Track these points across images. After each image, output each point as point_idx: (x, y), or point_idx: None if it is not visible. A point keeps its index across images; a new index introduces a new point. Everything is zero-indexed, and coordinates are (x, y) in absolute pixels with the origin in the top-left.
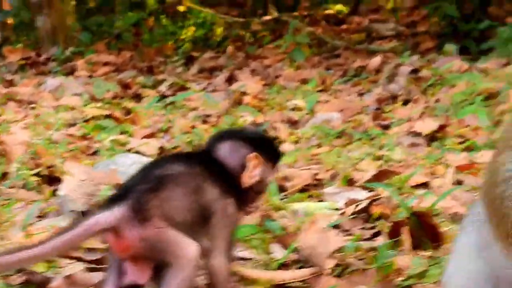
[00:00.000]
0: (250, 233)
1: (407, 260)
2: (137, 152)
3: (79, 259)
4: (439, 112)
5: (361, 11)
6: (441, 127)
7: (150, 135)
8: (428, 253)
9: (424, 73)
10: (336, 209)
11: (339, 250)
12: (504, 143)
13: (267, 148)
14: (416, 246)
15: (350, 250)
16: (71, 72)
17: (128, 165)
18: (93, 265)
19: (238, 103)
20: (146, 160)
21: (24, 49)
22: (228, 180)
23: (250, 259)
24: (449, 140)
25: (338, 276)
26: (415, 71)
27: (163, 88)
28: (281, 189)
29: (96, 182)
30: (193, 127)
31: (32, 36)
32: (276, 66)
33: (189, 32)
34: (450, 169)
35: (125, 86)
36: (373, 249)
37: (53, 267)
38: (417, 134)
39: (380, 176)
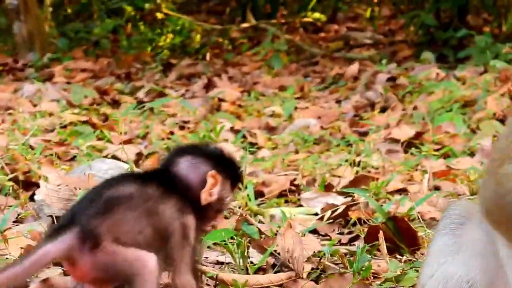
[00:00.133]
0: (227, 237)
1: (384, 264)
2: (114, 158)
3: (56, 264)
4: (416, 119)
5: (339, 19)
6: (418, 134)
7: (128, 141)
8: (405, 257)
9: (401, 80)
10: (314, 214)
11: (316, 254)
12: (503, 154)
13: (228, 167)
14: (393, 250)
15: (327, 254)
16: (48, 78)
17: (104, 171)
18: None
19: (216, 109)
20: (123, 166)
21: (1, 55)
22: (187, 196)
23: (228, 263)
24: (426, 147)
25: (315, 280)
26: (392, 78)
27: (141, 94)
28: (259, 194)
29: (73, 187)
30: (171, 133)
31: (9, 42)
32: (254, 73)
33: (167, 39)
34: (426, 175)
35: (103, 92)
36: (350, 253)
37: None
38: (395, 141)
39: (357, 182)
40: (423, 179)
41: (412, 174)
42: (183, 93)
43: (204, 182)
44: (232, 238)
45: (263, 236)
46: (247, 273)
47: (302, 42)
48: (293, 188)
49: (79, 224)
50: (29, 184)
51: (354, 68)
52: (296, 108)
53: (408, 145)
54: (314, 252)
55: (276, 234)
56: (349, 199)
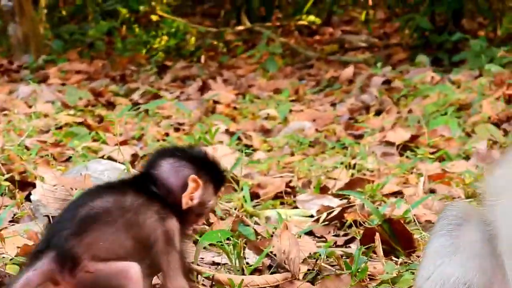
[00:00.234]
0: (224, 238)
1: (380, 266)
2: (110, 159)
3: None
4: (412, 122)
5: (334, 23)
6: (414, 137)
7: (123, 143)
8: (401, 259)
9: (396, 84)
10: (309, 216)
11: (312, 256)
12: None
13: (210, 170)
14: (389, 252)
15: (323, 256)
16: (43, 80)
17: (100, 171)
18: None
19: (211, 112)
20: (119, 167)
21: None
22: (168, 200)
23: (224, 264)
24: (422, 150)
25: (311, 281)
26: (387, 82)
27: (135, 96)
28: (254, 196)
29: (69, 187)
30: (166, 135)
31: (4, 44)
32: (249, 76)
33: (162, 41)
34: (422, 178)
35: (98, 94)
36: (346, 255)
37: None
38: (390, 144)
39: (353, 185)
40: (419, 182)
41: (408, 177)
42: (178, 95)
43: (186, 186)
44: (228, 239)
45: (259, 237)
46: (243, 274)
47: (297, 45)
48: (288, 190)
49: (55, 247)
50: (25, 185)
51: (349, 71)
52: (291, 111)
53: (403, 148)
54: (310, 253)
55: (272, 236)
56: (345, 201)
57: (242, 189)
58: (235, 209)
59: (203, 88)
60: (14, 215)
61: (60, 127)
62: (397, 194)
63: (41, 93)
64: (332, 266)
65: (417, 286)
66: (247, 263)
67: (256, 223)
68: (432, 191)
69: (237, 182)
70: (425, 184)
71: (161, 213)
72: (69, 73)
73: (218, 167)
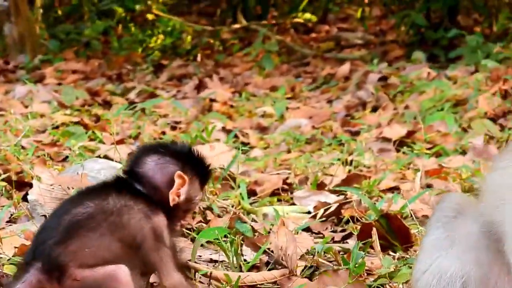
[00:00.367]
0: (221, 235)
1: (377, 261)
2: (106, 158)
3: None
4: (408, 118)
5: (330, 20)
6: (410, 133)
7: (120, 141)
8: (398, 254)
9: (392, 80)
10: (306, 212)
11: (310, 252)
12: None
13: (196, 165)
14: (386, 247)
15: (320, 251)
16: (39, 80)
17: (97, 170)
18: None
19: (207, 110)
20: (115, 166)
21: None
22: (155, 197)
23: (221, 261)
24: (418, 146)
25: (309, 277)
26: (383, 78)
27: (132, 95)
28: (251, 193)
29: (66, 186)
30: (162, 133)
31: (0, 44)
32: (245, 74)
33: (158, 40)
34: (419, 173)
35: (94, 93)
36: (344, 251)
37: None
38: (386, 140)
39: (350, 181)
40: (415, 177)
41: (404, 172)
42: (175, 94)
43: (172, 183)
44: (225, 236)
45: (256, 234)
46: (241, 271)
47: (293, 42)
48: (285, 187)
49: (41, 257)
50: (22, 185)
51: (345, 68)
52: (287, 108)
53: (400, 144)
54: (308, 249)
55: (269, 232)
56: (342, 197)
57: (239, 187)
58: (232, 206)
59: (200, 87)
60: (11, 215)
61: (57, 127)
62: (394, 189)
63: (37, 93)
64: (330, 261)
65: (414, 279)
66: (245, 260)
67: (253, 220)
68: (429, 186)
69: (234, 180)
70: (422, 179)
71: (147, 211)
72: (65, 73)
73: (203, 162)
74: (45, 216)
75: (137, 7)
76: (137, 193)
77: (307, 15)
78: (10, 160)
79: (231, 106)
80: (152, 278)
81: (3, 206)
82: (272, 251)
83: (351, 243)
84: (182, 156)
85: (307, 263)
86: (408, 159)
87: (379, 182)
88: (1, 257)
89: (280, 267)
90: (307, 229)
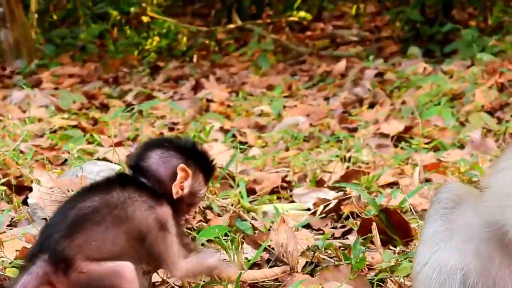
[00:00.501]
0: (221, 233)
1: (378, 256)
2: (105, 160)
3: None
4: (405, 113)
5: (325, 18)
6: (408, 128)
7: (118, 144)
8: (398, 248)
9: (389, 76)
10: (306, 209)
11: (310, 248)
12: None
13: (200, 160)
14: (386, 242)
15: (321, 248)
16: (36, 84)
17: (96, 172)
18: None
19: (204, 110)
20: (114, 168)
21: None
22: (159, 190)
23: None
24: (416, 141)
25: (310, 273)
26: (380, 74)
27: (129, 98)
28: (251, 192)
29: (66, 189)
30: (160, 134)
31: None
32: (241, 73)
33: (153, 42)
34: (417, 168)
35: (91, 97)
36: (344, 246)
37: None
38: (384, 136)
39: (349, 177)
40: (414, 172)
41: (403, 167)
42: (171, 95)
43: (175, 176)
44: (226, 234)
45: (256, 232)
46: (242, 269)
47: (288, 41)
48: (284, 184)
49: (48, 250)
50: (21, 189)
51: (341, 65)
52: (284, 106)
53: (398, 139)
54: (308, 246)
55: (269, 230)
56: (341, 193)
57: (238, 186)
58: (232, 205)
59: (196, 87)
60: (12, 219)
61: (55, 131)
62: (393, 185)
63: (34, 97)
64: (331, 257)
65: (415, 272)
66: (246, 257)
67: (253, 218)
68: (428, 181)
69: (233, 179)
70: (420, 174)
71: (151, 202)
72: (62, 77)
73: (207, 157)
74: (45, 219)
75: (132, 9)
76: (141, 186)
77: (302, 13)
78: (9, 165)
79: (228, 106)
80: (154, 278)
81: (3, 210)
82: (272, 249)
83: (351, 238)
84: (186, 151)
85: (307, 260)
86: (406, 154)
87: (378, 177)
88: (2, 261)
89: (281, 264)
90: (307, 226)
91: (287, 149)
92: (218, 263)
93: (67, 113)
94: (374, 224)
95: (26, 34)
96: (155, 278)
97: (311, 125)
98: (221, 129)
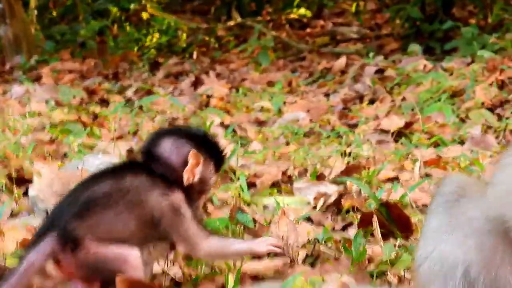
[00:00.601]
0: (222, 226)
1: (378, 249)
2: (106, 153)
3: None
4: (405, 110)
5: (325, 15)
6: (408, 124)
7: (118, 138)
8: (399, 242)
9: (389, 73)
10: (306, 203)
11: (311, 241)
12: None
13: (211, 148)
14: (386, 236)
15: (321, 240)
16: (36, 80)
17: (96, 165)
18: None
19: (205, 105)
20: (114, 161)
21: None
22: (171, 177)
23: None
24: (416, 137)
25: (311, 265)
26: (380, 71)
27: (129, 93)
28: (251, 185)
29: (66, 181)
30: None
31: None
32: (241, 70)
33: (153, 39)
34: (417, 163)
35: (91, 92)
36: (344, 240)
37: None
38: (384, 132)
39: (349, 171)
40: (414, 167)
41: (403, 163)
42: (171, 91)
43: (187, 163)
44: (226, 227)
45: (257, 224)
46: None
47: (288, 38)
48: (285, 178)
49: (58, 227)
50: (22, 181)
51: (341, 62)
52: (284, 102)
53: (398, 135)
54: (309, 239)
55: (270, 223)
56: (342, 187)
57: (238, 179)
58: (233, 198)
59: (196, 83)
60: (12, 211)
61: (55, 125)
62: (393, 179)
63: (34, 92)
64: (331, 250)
65: (416, 265)
66: None
67: (253, 211)
68: (428, 176)
69: (234, 172)
70: (420, 169)
71: (164, 189)
72: (62, 73)
73: (218, 145)
74: (46, 211)
75: (132, 6)
76: (153, 173)
77: (302, 11)
78: (10, 158)
79: (228, 102)
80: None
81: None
82: None
83: (352, 232)
84: (198, 139)
85: (308, 252)
86: (407, 149)
87: (378, 172)
88: (3, 252)
89: (281, 256)
90: (308, 219)
91: (287, 144)
92: (247, 248)
93: (67, 108)
94: (375, 216)
95: (26, 30)
96: (156, 269)
97: (311, 121)
98: (222, 124)
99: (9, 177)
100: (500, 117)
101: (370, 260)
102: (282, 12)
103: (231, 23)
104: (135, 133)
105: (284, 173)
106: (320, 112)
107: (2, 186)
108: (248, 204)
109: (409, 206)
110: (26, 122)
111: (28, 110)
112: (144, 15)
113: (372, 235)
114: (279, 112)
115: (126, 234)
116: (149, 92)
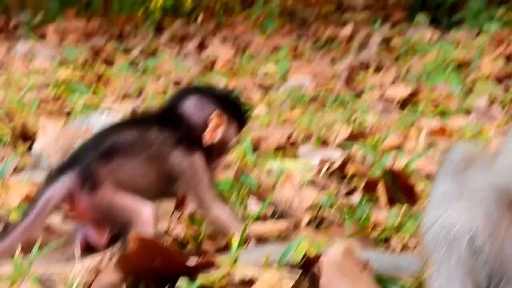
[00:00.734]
0: (226, 187)
1: (383, 214)
2: (111, 111)
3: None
4: (411, 79)
5: None
6: (413, 94)
7: (123, 97)
8: (403, 209)
9: (395, 42)
10: (311, 168)
11: (315, 204)
12: None
13: (234, 109)
14: (391, 202)
15: (326, 204)
16: (40, 38)
17: (101, 124)
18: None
19: (209, 68)
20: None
21: None
22: (192, 135)
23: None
24: (421, 106)
25: (315, 229)
26: (386, 40)
27: (134, 53)
28: (256, 148)
29: (71, 138)
30: (164, 91)
31: (1, 2)
32: (246, 35)
33: (158, 2)
34: (423, 131)
35: (96, 51)
36: (349, 205)
37: None
38: (390, 100)
39: (354, 138)
40: (419, 136)
41: (408, 132)
42: (176, 53)
43: (209, 122)
44: (231, 189)
45: (261, 187)
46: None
47: (294, 5)
48: (289, 142)
49: (79, 166)
50: (26, 138)
51: (347, 29)
52: (289, 68)
53: (403, 104)
54: (313, 203)
55: (274, 186)
56: (346, 153)
57: (243, 142)
58: (237, 160)
59: (201, 47)
60: (16, 166)
61: (59, 84)
62: (398, 148)
63: (38, 50)
64: (335, 215)
65: (422, 232)
66: (250, 211)
67: (258, 174)
68: (433, 145)
69: None
70: (425, 138)
71: (186, 148)
72: (66, 32)
73: (241, 106)
74: (50, 167)
75: None
76: (176, 130)
77: None
78: (14, 114)
79: (233, 66)
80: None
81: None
82: (277, 203)
83: (356, 198)
84: (221, 99)
85: (312, 216)
86: (412, 118)
87: (383, 140)
88: (7, 206)
89: (285, 218)
90: (312, 183)
91: (292, 109)
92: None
93: (72, 66)
94: (380, 182)
95: None
96: (161, 226)
97: (316, 86)
98: (226, 87)
99: (13, 132)
100: (506, 89)
101: (374, 227)
102: None
103: None
104: (140, 93)
105: (288, 137)
106: (325, 79)
107: (6, 142)
108: (253, 167)
109: (413, 174)
110: (31, 79)
111: (32, 68)
112: None
113: (376, 202)
114: (284, 77)
115: (143, 185)
116: (154, 53)
